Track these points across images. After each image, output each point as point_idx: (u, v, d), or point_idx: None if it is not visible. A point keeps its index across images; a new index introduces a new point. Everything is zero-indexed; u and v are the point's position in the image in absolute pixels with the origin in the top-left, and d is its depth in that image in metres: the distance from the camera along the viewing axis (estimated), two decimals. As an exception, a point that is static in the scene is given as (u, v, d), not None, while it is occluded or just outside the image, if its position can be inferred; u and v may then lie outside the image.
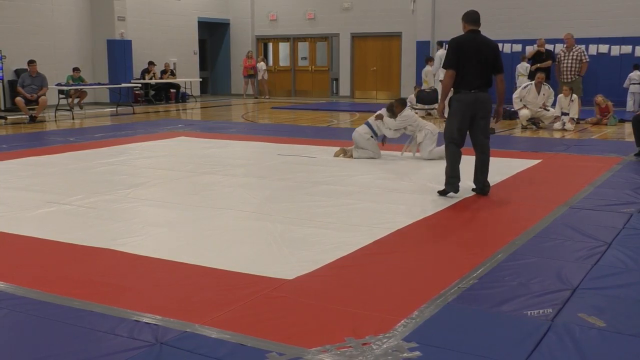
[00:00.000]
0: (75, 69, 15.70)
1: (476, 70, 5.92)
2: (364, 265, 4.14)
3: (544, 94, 11.68)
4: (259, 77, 20.85)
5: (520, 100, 11.78)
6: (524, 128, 11.84)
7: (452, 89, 6.04)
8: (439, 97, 6.82)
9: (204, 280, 3.81)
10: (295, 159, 8.40)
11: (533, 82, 11.87)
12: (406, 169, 7.60)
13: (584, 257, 4.16)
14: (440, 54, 15.25)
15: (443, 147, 7.41)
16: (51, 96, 14.43)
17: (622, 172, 7.22)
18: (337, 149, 8.58)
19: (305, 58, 21.97)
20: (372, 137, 8.33)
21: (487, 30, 17.75)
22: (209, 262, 4.09)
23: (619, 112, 12.84)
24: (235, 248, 4.49)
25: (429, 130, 8.21)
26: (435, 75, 15.34)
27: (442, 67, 6.24)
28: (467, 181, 6.20)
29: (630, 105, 14.97)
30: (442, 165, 6.33)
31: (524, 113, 11.82)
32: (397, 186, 6.55)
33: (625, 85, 15.28)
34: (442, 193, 6.04)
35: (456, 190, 6.02)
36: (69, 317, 3.23)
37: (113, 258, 4.24)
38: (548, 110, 11.79)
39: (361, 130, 8.35)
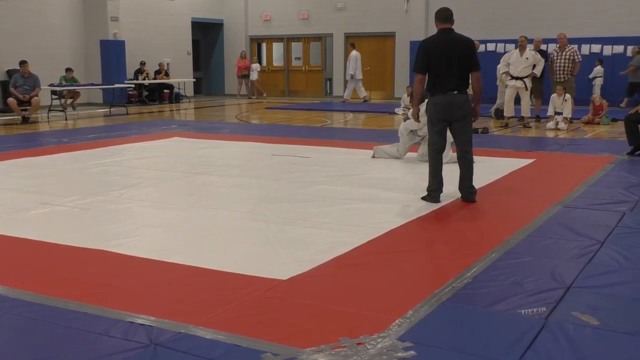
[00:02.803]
0: (68, 70, 15.65)
1: (449, 71, 5.67)
2: (358, 265, 4.15)
3: (527, 58, 11.78)
4: (252, 78, 20.83)
5: (507, 65, 12.01)
6: (500, 119, 12.05)
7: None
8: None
9: (198, 281, 3.80)
10: (290, 159, 8.40)
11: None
12: (401, 169, 7.61)
13: (577, 255, 4.17)
14: None
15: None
16: (44, 97, 14.38)
17: (615, 171, 7.25)
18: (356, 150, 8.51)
19: (299, 58, 21.97)
20: (412, 131, 7.90)
21: (481, 30, 17.90)
22: (203, 263, 4.09)
23: (612, 112, 12.88)
24: (230, 248, 4.49)
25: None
26: None
27: (413, 70, 6.03)
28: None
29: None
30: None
31: (510, 107, 12.11)
32: (393, 186, 6.56)
33: (591, 76, 15.68)
34: (424, 199, 5.91)
35: (436, 201, 5.80)
36: (63, 319, 3.22)
37: (107, 259, 4.23)
38: (536, 76, 11.91)
39: (407, 123, 7.91)
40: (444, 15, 5.80)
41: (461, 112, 5.74)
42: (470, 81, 5.84)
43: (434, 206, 5.65)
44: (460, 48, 5.72)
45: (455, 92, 5.72)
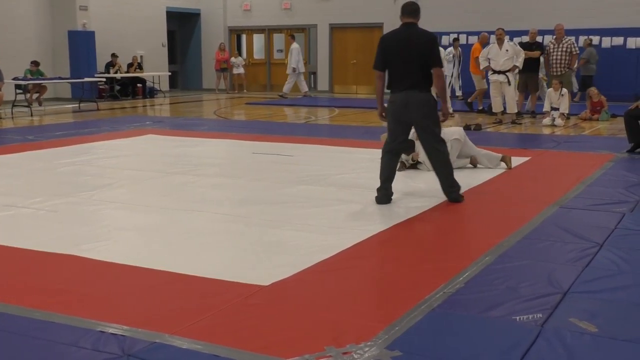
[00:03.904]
0: (34, 62, 15.53)
1: (406, 67, 5.60)
2: (344, 269, 4.15)
3: (507, 50, 11.90)
4: (237, 72, 20.78)
5: (487, 60, 12.15)
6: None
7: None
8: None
9: (174, 288, 3.79)
10: (272, 157, 8.39)
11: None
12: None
13: (575, 259, 4.21)
14: None
15: (464, 159, 7.34)
16: (8, 91, 14.25)
17: (614, 170, 7.32)
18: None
19: (281, 50, 21.94)
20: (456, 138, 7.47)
21: (476, 21, 17.95)
22: (179, 268, 4.07)
23: (612, 107, 13.01)
24: (208, 253, 4.48)
25: (457, 139, 7.34)
26: None
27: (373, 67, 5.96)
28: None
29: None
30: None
31: (497, 101, 12.25)
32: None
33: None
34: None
35: (382, 202, 5.74)
36: (28, 329, 3.19)
37: (76, 265, 4.20)
38: (516, 68, 12.00)
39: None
40: (408, 9, 5.74)
41: (419, 112, 5.63)
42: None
43: (424, 208, 5.67)
44: (418, 43, 5.62)
45: (414, 90, 5.61)
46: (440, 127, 5.90)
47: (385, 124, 5.99)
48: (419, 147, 7.24)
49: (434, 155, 5.86)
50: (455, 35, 17.24)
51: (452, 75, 16.77)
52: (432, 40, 5.70)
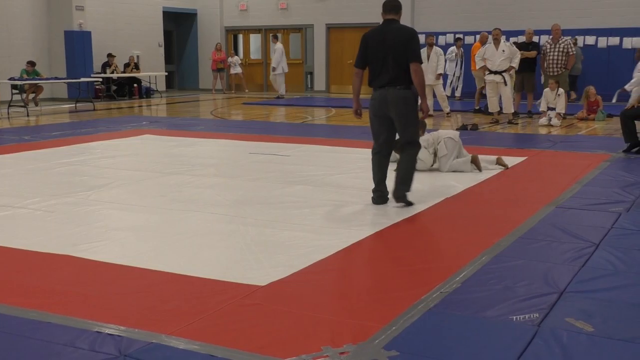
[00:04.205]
0: (30, 62, 15.50)
1: (384, 64, 5.52)
2: (341, 269, 4.16)
3: (503, 50, 11.92)
4: (235, 72, 20.76)
5: (483, 60, 12.18)
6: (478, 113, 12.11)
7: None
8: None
9: (171, 288, 3.79)
10: (268, 157, 8.39)
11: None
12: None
13: (571, 258, 4.22)
14: None
15: (463, 158, 7.27)
16: (4, 92, 14.24)
17: (610, 170, 7.33)
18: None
19: (278, 50, 21.95)
20: (450, 137, 7.43)
21: (467, 21, 17.97)
22: (176, 269, 4.07)
23: (608, 107, 13.03)
24: (204, 253, 4.48)
25: (451, 137, 7.35)
26: None
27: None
28: (452, 182, 6.23)
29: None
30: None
31: (493, 102, 12.27)
32: (376, 186, 6.57)
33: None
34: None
35: (378, 204, 5.73)
36: (25, 330, 3.19)
37: (73, 265, 4.20)
38: (511, 69, 12.03)
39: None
40: (389, 6, 5.67)
41: (396, 108, 5.54)
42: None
43: (420, 207, 5.67)
44: (397, 39, 5.52)
45: (393, 87, 5.52)
46: (418, 127, 5.80)
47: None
48: (442, 146, 7.26)
49: (402, 154, 5.72)
50: (460, 35, 17.23)
51: (454, 75, 16.80)
52: (411, 35, 5.57)
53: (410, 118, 5.61)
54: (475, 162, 7.28)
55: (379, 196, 5.79)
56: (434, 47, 13.44)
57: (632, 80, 10.31)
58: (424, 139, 7.15)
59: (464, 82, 17.15)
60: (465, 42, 17.22)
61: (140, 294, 3.71)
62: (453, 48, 16.83)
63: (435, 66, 13.17)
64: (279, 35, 20.04)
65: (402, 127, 5.61)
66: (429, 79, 13.32)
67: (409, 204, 5.66)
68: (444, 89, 16.82)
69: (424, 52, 13.35)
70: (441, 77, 13.46)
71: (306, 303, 3.55)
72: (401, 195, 5.65)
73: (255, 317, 3.33)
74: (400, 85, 5.52)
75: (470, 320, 3.28)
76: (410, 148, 5.69)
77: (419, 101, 5.70)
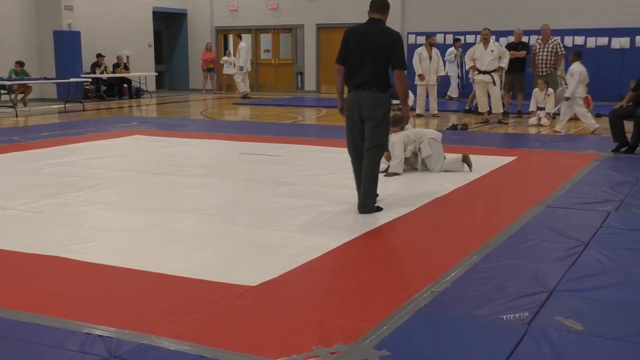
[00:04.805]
0: (18, 63, 15.41)
1: (362, 65, 5.32)
2: (332, 270, 4.15)
3: (492, 50, 11.97)
4: (227, 72, 20.69)
5: (472, 60, 12.22)
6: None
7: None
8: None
9: (161, 289, 3.78)
10: (259, 157, 8.38)
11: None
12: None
13: (561, 258, 4.24)
14: None
15: (454, 158, 7.24)
16: (-8, 92, 14.15)
17: (599, 169, 7.37)
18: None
19: (268, 51, 21.93)
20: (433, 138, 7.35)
21: (462, 20, 17.97)
22: (167, 269, 4.06)
23: (596, 107, 13.09)
24: (195, 253, 4.47)
25: (434, 138, 7.29)
26: None
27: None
28: (443, 182, 6.23)
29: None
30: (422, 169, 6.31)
31: (483, 102, 12.29)
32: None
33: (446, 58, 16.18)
34: None
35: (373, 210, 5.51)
36: (14, 332, 3.17)
37: (62, 266, 4.18)
38: (501, 68, 12.09)
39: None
40: (376, 5, 5.48)
41: (368, 111, 5.34)
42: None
43: (409, 207, 5.68)
44: (379, 41, 5.32)
45: (367, 89, 5.33)
46: (387, 132, 5.60)
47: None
48: (425, 145, 7.24)
49: (365, 160, 5.44)
50: (458, 36, 17.24)
51: (458, 76, 16.81)
52: (394, 40, 5.35)
53: (381, 122, 5.39)
54: (466, 160, 7.30)
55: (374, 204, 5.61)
56: (434, 48, 13.50)
57: (568, 86, 10.70)
58: (403, 134, 7.15)
59: (464, 82, 17.19)
60: (446, 42, 17.22)
61: (130, 294, 3.70)
62: (452, 49, 16.83)
63: (436, 67, 13.27)
64: (243, 35, 20.10)
65: (371, 129, 5.38)
66: (432, 79, 13.36)
67: (378, 209, 5.53)
68: (452, 91, 16.94)
69: (424, 52, 13.40)
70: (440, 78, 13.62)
71: (297, 303, 3.55)
72: (366, 210, 5.45)
73: (246, 318, 3.33)
74: (374, 88, 5.34)
75: (460, 319, 3.29)
76: (373, 152, 5.43)
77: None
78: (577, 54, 10.97)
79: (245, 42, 19.42)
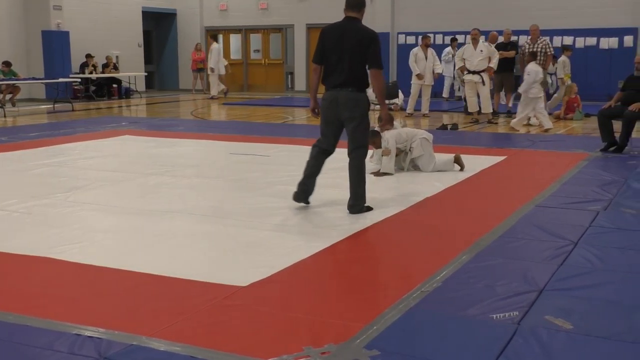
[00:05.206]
0: (6, 63, 15.32)
1: (339, 64, 5.27)
2: (322, 269, 4.15)
3: (481, 51, 12.05)
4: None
5: (462, 60, 12.30)
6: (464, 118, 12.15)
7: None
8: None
9: (151, 289, 3.76)
10: (249, 158, 8.37)
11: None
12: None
13: (550, 257, 4.25)
14: None
15: (446, 158, 7.25)
16: (-19, 92, 14.06)
17: (588, 169, 7.41)
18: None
19: (258, 50, 21.89)
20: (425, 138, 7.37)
21: (451, 21, 18.02)
22: (156, 270, 4.05)
23: (585, 107, 13.16)
24: (185, 254, 4.45)
25: (426, 138, 7.29)
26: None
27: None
28: (433, 182, 6.24)
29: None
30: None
31: (472, 101, 12.37)
32: (357, 186, 6.57)
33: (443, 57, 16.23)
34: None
35: (298, 200, 5.57)
36: (2, 333, 3.15)
37: (51, 267, 4.16)
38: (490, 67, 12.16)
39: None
40: (352, 3, 5.40)
41: (346, 111, 5.31)
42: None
43: (400, 207, 5.69)
44: (355, 39, 5.26)
45: (345, 89, 5.27)
46: (367, 131, 5.55)
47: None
48: (417, 145, 7.24)
49: (351, 161, 5.46)
50: (456, 36, 17.26)
51: (453, 77, 16.83)
52: (370, 38, 5.29)
53: (361, 122, 5.37)
54: (457, 161, 7.32)
55: (302, 191, 5.58)
56: (429, 48, 13.54)
57: (522, 83, 10.96)
58: (395, 133, 7.17)
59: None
60: (436, 42, 17.23)
61: (120, 295, 3.68)
62: (449, 49, 16.85)
63: (432, 66, 13.30)
64: (219, 36, 20.07)
65: (352, 130, 5.37)
66: (428, 79, 13.38)
67: (368, 209, 5.53)
68: (444, 92, 16.99)
69: (420, 52, 13.42)
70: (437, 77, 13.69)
71: (287, 303, 3.55)
72: (356, 210, 5.45)
73: (236, 318, 3.32)
74: (352, 88, 5.29)
75: (450, 319, 3.30)
76: (358, 152, 5.43)
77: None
78: (533, 54, 11.59)
79: (219, 43, 19.33)
